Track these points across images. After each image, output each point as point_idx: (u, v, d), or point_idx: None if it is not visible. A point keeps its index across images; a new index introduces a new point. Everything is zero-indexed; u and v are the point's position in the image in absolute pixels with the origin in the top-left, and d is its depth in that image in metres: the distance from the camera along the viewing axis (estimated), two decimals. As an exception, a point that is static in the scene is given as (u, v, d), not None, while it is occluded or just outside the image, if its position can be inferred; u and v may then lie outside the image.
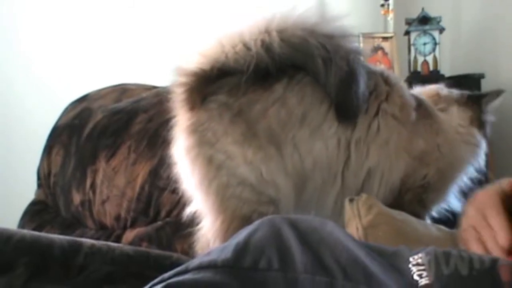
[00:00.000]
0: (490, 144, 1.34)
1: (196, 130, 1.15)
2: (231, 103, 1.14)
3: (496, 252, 0.85)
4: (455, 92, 1.34)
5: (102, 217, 1.61)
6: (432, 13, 2.52)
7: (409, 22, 2.54)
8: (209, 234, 1.17)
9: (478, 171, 1.30)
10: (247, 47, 1.12)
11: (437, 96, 1.31)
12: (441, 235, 1.04)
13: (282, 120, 1.14)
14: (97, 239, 1.43)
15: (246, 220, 1.09)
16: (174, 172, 1.24)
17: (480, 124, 1.30)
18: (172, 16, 2.63)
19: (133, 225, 1.57)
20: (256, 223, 0.78)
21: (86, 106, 1.77)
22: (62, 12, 2.58)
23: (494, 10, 2.58)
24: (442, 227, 1.09)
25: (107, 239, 1.51)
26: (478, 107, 1.31)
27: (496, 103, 1.32)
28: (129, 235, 1.55)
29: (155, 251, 1.29)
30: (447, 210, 1.29)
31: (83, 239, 1.17)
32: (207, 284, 0.71)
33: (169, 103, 1.21)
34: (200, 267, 0.74)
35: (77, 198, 1.66)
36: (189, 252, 1.35)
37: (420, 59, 2.53)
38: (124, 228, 1.58)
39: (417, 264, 0.75)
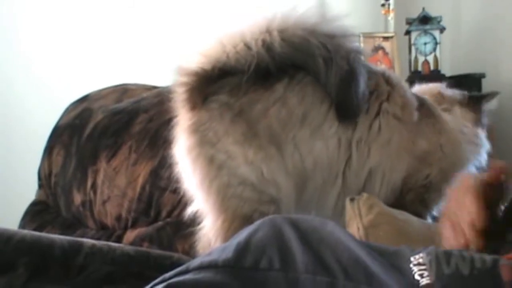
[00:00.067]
0: (491, 143, 1.35)
1: (197, 130, 1.15)
2: (232, 103, 1.14)
3: (470, 234, 0.87)
4: (457, 92, 1.34)
5: (103, 217, 1.61)
6: (432, 12, 2.52)
7: (409, 22, 2.54)
8: (210, 234, 1.17)
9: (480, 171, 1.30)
10: (248, 46, 1.12)
11: (440, 96, 1.31)
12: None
13: (282, 120, 1.14)
14: (98, 239, 1.42)
15: (247, 220, 1.09)
16: (175, 172, 1.24)
17: (482, 124, 1.30)
18: (172, 16, 2.63)
19: (134, 225, 1.57)
20: (257, 223, 0.78)
21: (87, 106, 1.77)
22: (62, 12, 2.57)
23: (494, 10, 2.58)
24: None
25: (108, 239, 1.51)
26: (479, 108, 1.31)
27: (492, 104, 1.32)
28: (130, 235, 1.55)
29: (156, 251, 1.29)
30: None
31: (84, 239, 1.17)
32: (208, 284, 0.71)
33: (170, 103, 1.21)
34: (201, 267, 0.73)
35: (78, 198, 1.66)
36: (190, 252, 1.35)
37: (421, 59, 2.53)
38: (125, 228, 1.58)
39: (418, 264, 0.75)
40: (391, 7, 2.66)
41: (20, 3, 2.56)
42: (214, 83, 1.15)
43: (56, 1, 2.59)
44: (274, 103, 1.14)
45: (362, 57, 1.17)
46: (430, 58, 2.52)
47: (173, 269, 0.76)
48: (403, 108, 1.20)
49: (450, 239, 0.91)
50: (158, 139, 1.57)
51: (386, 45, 2.60)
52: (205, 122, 1.15)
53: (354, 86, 1.13)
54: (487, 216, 0.88)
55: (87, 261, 1.09)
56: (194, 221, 1.24)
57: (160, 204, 1.54)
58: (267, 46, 1.11)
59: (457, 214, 0.92)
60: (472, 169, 1.29)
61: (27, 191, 1.81)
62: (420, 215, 1.17)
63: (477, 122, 1.30)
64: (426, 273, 0.73)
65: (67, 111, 1.81)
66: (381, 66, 2.26)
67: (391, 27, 2.67)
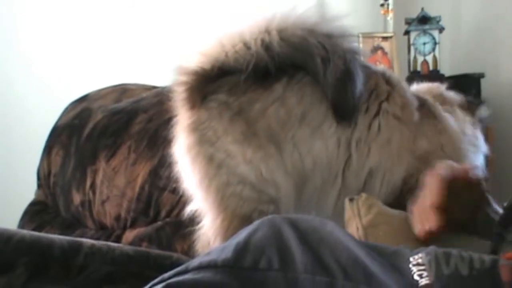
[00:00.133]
0: (490, 143, 1.35)
1: (197, 128, 1.15)
2: (231, 102, 1.14)
3: (430, 214, 0.97)
4: (456, 95, 1.35)
5: (102, 217, 1.61)
6: (431, 12, 2.52)
7: (408, 22, 2.54)
8: (209, 233, 1.17)
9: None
10: (247, 46, 1.12)
11: (442, 97, 1.31)
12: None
13: (281, 120, 1.14)
14: (97, 239, 1.42)
15: (247, 219, 1.09)
16: (174, 171, 1.24)
17: (480, 127, 1.31)
18: (172, 16, 2.63)
19: (133, 225, 1.57)
20: (256, 223, 0.78)
21: (86, 106, 1.77)
22: (62, 12, 2.57)
23: (494, 10, 2.58)
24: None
25: (107, 239, 1.51)
26: (475, 112, 1.33)
27: (483, 112, 1.34)
28: (129, 235, 1.55)
29: (155, 251, 1.29)
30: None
31: (83, 239, 1.17)
32: (207, 284, 0.71)
33: (169, 102, 1.21)
34: (200, 267, 0.73)
35: (77, 198, 1.66)
36: (189, 252, 1.35)
37: (420, 59, 2.53)
38: (124, 228, 1.58)
39: (418, 264, 0.75)
40: (390, 7, 2.67)
41: (20, 3, 2.56)
42: (214, 83, 1.15)
43: (56, 1, 2.59)
44: (273, 102, 1.14)
45: (360, 58, 1.17)
46: (429, 58, 2.52)
47: (173, 269, 0.76)
48: (403, 108, 1.20)
49: (418, 223, 0.99)
50: (157, 139, 1.57)
51: (385, 45, 2.60)
52: (205, 121, 1.15)
53: (350, 86, 1.13)
54: (446, 197, 0.98)
55: (87, 261, 1.09)
56: (193, 221, 1.24)
57: (159, 204, 1.54)
58: (266, 46, 1.11)
59: (424, 199, 1.01)
60: None
61: (27, 191, 1.81)
62: (419, 215, 1.17)
63: (476, 125, 1.30)
64: (425, 273, 0.74)
65: (66, 111, 1.81)
66: (381, 66, 2.25)
67: (390, 27, 2.67)
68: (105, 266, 1.10)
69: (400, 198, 1.21)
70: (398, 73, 2.49)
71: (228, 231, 1.12)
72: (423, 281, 0.73)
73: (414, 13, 2.55)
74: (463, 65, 2.63)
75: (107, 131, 1.66)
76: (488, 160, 1.34)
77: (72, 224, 1.66)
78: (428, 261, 0.75)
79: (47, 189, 1.75)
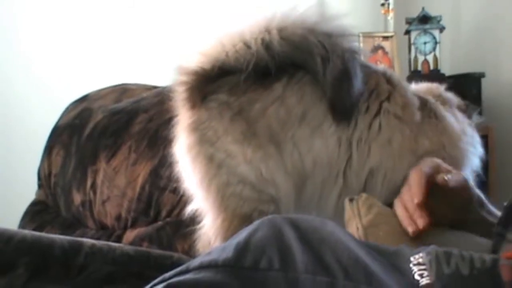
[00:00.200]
0: (490, 143, 1.35)
1: (197, 128, 1.15)
2: (232, 102, 1.14)
3: (412, 208, 1.00)
4: (454, 96, 1.35)
5: (102, 217, 1.61)
6: (432, 12, 2.52)
7: (409, 21, 2.54)
8: (210, 233, 1.17)
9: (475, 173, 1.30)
10: (247, 45, 1.12)
11: (441, 98, 1.31)
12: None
13: (281, 119, 1.14)
14: (98, 239, 1.42)
15: (247, 219, 1.09)
16: (174, 171, 1.24)
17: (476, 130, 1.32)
18: (172, 16, 2.63)
19: (133, 225, 1.57)
20: (256, 223, 0.78)
21: (87, 106, 1.77)
22: (62, 12, 2.58)
23: (494, 10, 2.58)
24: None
25: (107, 239, 1.51)
26: (471, 115, 1.33)
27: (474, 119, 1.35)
28: (130, 235, 1.55)
29: (156, 251, 1.29)
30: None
31: (84, 239, 1.17)
32: (208, 284, 0.71)
33: (170, 102, 1.21)
34: (201, 267, 0.73)
35: (77, 198, 1.66)
36: (189, 252, 1.35)
37: (421, 58, 2.53)
38: (125, 228, 1.58)
39: (418, 264, 0.75)
40: (391, 6, 2.67)
41: (20, 3, 2.56)
42: (214, 82, 1.15)
43: (56, 1, 2.59)
44: (273, 102, 1.13)
45: (360, 57, 1.17)
46: (430, 58, 2.52)
47: (174, 269, 0.76)
48: (404, 108, 1.20)
49: (403, 219, 1.02)
50: (157, 139, 1.57)
51: (386, 44, 2.60)
52: (205, 121, 1.15)
53: (348, 85, 1.12)
54: (427, 193, 1.00)
55: (88, 261, 1.09)
56: (193, 220, 1.24)
57: (160, 204, 1.54)
58: (266, 45, 1.11)
59: (406, 195, 1.04)
60: (470, 171, 1.30)
61: (27, 191, 1.81)
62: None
63: (473, 127, 1.30)
64: (426, 273, 0.74)
65: (67, 111, 1.81)
66: (381, 66, 2.25)
67: (391, 27, 2.67)
68: (106, 266, 1.11)
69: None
70: (399, 73, 2.49)
71: (228, 231, 1.12)
72: (424, 281, 0.73)
73: (415, 13, 2.55)
74: (463, 64, 2.63)
75: (108, 131, 1.66)
76: (486, 161, 1.34)
77: (72, 224, 1.67)
78: (428, 261, 0.75)
79: (48, 189, 1.75)
